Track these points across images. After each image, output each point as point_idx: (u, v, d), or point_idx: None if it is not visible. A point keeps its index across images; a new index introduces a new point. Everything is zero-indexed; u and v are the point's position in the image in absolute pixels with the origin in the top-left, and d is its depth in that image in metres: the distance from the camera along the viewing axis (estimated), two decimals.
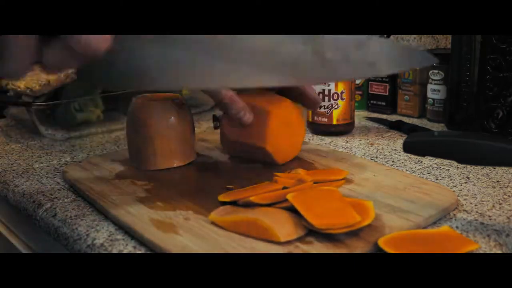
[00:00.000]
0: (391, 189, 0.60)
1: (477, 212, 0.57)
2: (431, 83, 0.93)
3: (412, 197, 0.58)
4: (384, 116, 0.98)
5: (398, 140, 0.83)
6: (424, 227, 0.53)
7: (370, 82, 1.02)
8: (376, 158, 0.75)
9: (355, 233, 0.50)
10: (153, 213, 0.55)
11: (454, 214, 0.56)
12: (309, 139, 0.84)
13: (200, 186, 0.63)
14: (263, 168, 0.67)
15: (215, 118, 0.97)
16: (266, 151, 0.65)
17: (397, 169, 0.69)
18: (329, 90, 0.83)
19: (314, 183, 0.60)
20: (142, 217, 0.54)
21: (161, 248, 0.49)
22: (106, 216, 0.57)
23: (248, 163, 0.69)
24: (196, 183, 0.65)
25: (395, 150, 0.79)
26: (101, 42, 0.41)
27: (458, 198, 0.60)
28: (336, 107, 0.84)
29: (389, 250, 0.47)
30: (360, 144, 0.81)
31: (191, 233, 0.51)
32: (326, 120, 0.85)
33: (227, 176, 0.66)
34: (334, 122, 0.85)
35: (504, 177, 0.67)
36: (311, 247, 0.48)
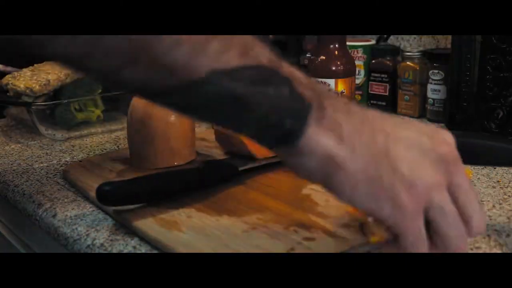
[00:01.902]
0: None
1: None
2: (431, 83, 0.93)
3: None
4: None
5: None
6: None
7: (370, 82, 1.02)
8: None
9: (357, 230, 0.50)
10: (155, 211, 0.55)
11: None
12: None
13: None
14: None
15: None
16: (242, 142, 0.66)
17: None
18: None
19: None
20: (145, 215, 0.54)
21: (165, 246, 0.49)
22: (107, 214, 0.57)
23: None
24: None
25: None
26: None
27: None
28: None
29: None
30: None
31: (194, 230, 0.51)
32: None
33: None
34: None
35: (504, 177, 0.67)
36: (313, 243, 0.48)
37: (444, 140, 0.40)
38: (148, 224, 0.52)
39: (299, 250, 0.47)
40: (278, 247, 0.48)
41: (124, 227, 0.55)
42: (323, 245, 0.48)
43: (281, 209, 0.55)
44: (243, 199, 0.58)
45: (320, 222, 0.52)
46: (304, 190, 0.60)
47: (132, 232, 0.54)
